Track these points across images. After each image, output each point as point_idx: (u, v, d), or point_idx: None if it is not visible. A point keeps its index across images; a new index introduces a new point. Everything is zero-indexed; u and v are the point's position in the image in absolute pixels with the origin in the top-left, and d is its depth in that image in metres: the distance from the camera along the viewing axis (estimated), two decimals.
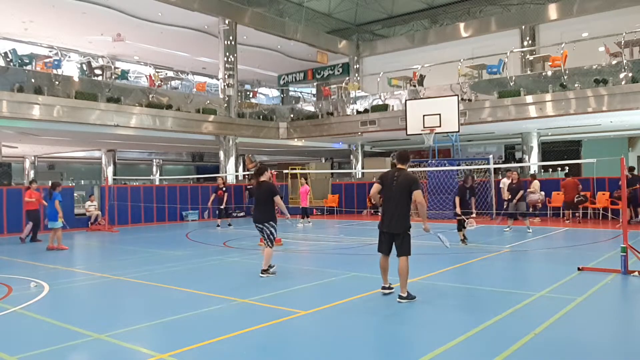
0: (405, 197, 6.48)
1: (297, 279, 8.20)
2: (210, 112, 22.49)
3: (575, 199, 16.83)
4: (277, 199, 8.44)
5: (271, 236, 8.40)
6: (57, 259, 11.17)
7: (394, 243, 6.57)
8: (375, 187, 6.85)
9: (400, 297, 6.40)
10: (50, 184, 13.16)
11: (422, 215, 6.66)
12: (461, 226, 11.76)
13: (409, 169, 7.07)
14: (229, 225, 17.66)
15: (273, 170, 14.65)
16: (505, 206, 15.22)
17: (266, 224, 8.39)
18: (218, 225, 17.57)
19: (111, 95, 19.16)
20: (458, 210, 11.68)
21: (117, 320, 5.91)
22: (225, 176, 21.84)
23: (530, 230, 14.01)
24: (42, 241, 13.80)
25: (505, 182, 16.10)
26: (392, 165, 7.25)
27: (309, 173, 26.44)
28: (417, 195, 6.46)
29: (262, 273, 8.28)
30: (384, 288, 6.78)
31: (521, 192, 14.29)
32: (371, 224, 18.57)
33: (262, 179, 8.63)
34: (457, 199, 11.80)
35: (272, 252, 8.45)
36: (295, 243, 13.34)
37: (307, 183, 19.53)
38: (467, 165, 20.03)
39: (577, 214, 17.34)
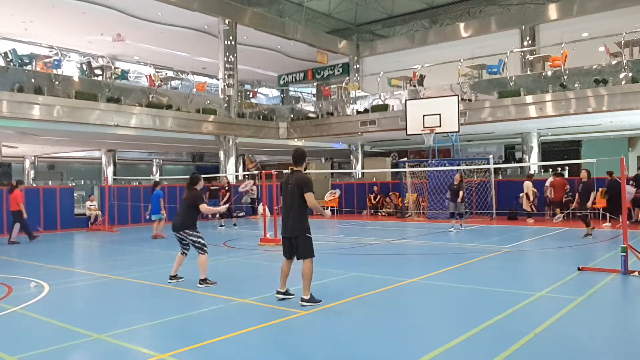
0: (298, 199, 6.34)
1: (297, 279, 8.19)
2: (210, 112, 22.49)
3: (564, 199, 17.19)
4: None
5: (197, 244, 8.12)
6: (57, 259, 11.17)
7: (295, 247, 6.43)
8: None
9: (303, 299, 6.30)
10: (152, 183, 15.60)
11: (319, 212, 6.61)
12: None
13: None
14: (230, 225, 17.69)
15: (273, 171, 14.64)
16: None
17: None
18: (222, 225, 17.59)
19: (111, 95, 19.16)
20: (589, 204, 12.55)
21: (117, 320, 5.91)
22: (225, 176, 21.81)
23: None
24: (38, 237, 14.63)
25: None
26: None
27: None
28: (309, 198, 6.30)
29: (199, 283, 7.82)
30: (278, 293, 6.64)
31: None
32: (371, 224, 18.58)
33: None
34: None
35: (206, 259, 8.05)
36: None
37: None
38: (466, 165, 20.01)
39: (562, 213, 17.62)
